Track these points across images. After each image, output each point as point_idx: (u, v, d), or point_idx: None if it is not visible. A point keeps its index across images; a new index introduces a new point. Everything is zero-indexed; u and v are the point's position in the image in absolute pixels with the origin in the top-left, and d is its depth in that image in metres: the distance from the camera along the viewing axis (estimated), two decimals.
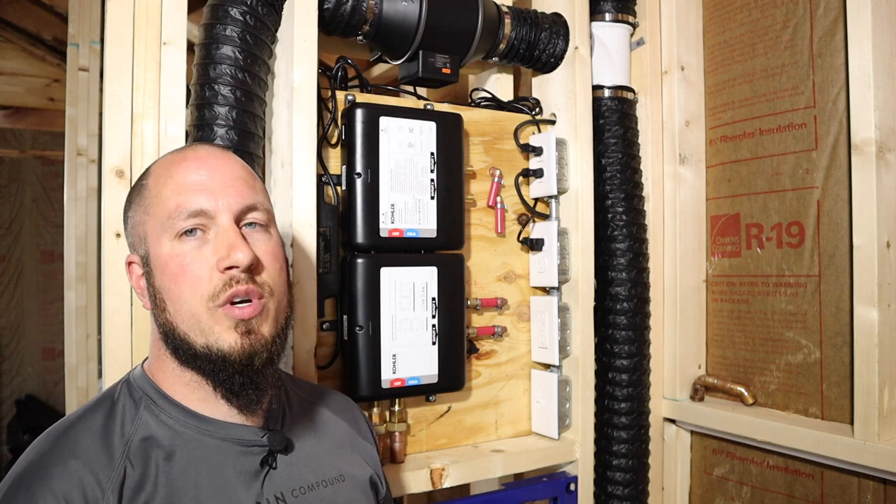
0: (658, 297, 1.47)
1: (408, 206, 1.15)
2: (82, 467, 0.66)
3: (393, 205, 1.13)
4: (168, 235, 0.72)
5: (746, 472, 1.39)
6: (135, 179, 1.00)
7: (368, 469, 0.88)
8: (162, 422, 0.73)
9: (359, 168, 1.11)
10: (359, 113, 1.12)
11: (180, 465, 0.71)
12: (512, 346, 1.33)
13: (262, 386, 0.73)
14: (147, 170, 0.79)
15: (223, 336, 0.71)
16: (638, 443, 1.39)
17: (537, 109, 1.39)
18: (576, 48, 1.34)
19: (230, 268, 0.71)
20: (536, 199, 1.36)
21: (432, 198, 1.17)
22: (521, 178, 1.34)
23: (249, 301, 0.72)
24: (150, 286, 0.74)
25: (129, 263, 0.78)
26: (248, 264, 0.71)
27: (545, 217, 1.35)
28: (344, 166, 1.14)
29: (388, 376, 1.11)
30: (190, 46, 1.04)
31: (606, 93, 1.42)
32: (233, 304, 0.71)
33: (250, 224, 0.75)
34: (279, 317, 0.76)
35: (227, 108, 0.98)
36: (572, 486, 1.28)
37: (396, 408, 1.15)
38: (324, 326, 1.12)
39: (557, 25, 1.34)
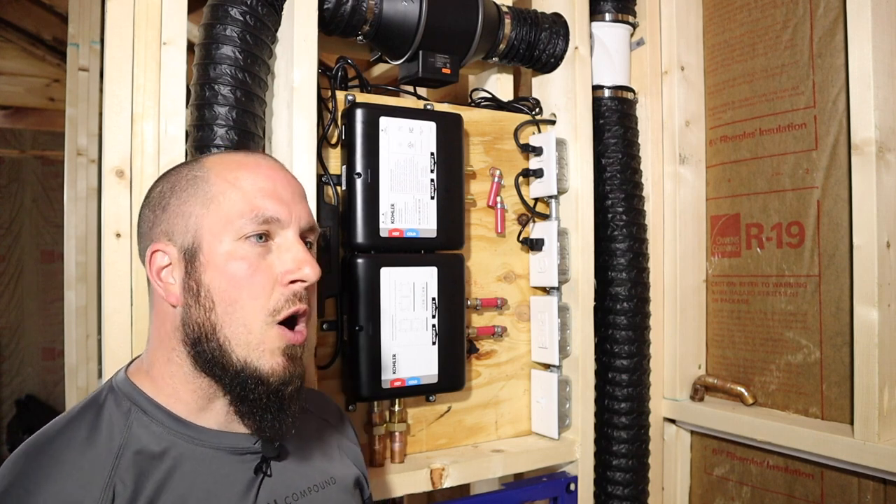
0: (658, 297, 1.47)
1: (408, 206, 1.15)
2: (67, 490, 0.62)
3: (393, 205, 1.13)
4: (232, 235, 0.69)
5: (746, 472, 1.39)
6: (135, 179, 1.01)
7: (355, 470, 0.87)
8: (153, 432, 0.69)
9: (359, 168, 1.11)
10: (359, 113, 1.12)
11: (174, 477, 0.68)
12: (512, 346, 1.33)
13: (286, 413, 0.70)
14: (200, 163, 0.75)
15: (266, 356, 0.69)
16: (638, 443, 1.39)
17: (537, 109, 1.39)
18: (576, 48, 1.34)
19: (294, 281, 0.70)
20: (536, 199, 1.36)
21: (432, 198, 1.17)
22: (521, 178, 1.34)
23: (304, 323, 0.71)
24: (193, 281, 0.69)
25: (155, 252, 0.72)
26: (316, 280, 0.70)
27: (545, 217, 1.35)
28: (344, 166, 1.14)
29: (388, 376, 1.11)
30: (190, 46, 1.04)
31: (606, 93, 1.42)
32: (284, 324, 0.70)
33: (308, 243, 0.75)
34: (310, 344, 0.75)
35: (227, 108, 0.98)
36: (572, 486, 1.28)
37: (396, 408, 1.15)
38: (324, 326, 1.12)
39: (557, 25, 1.34)
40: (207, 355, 0.69)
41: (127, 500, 0.64)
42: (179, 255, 0.71)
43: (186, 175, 0.74)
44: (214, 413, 0.72)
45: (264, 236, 0.70)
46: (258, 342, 0.68)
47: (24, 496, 0.62)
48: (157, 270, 0.72)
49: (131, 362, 0.77)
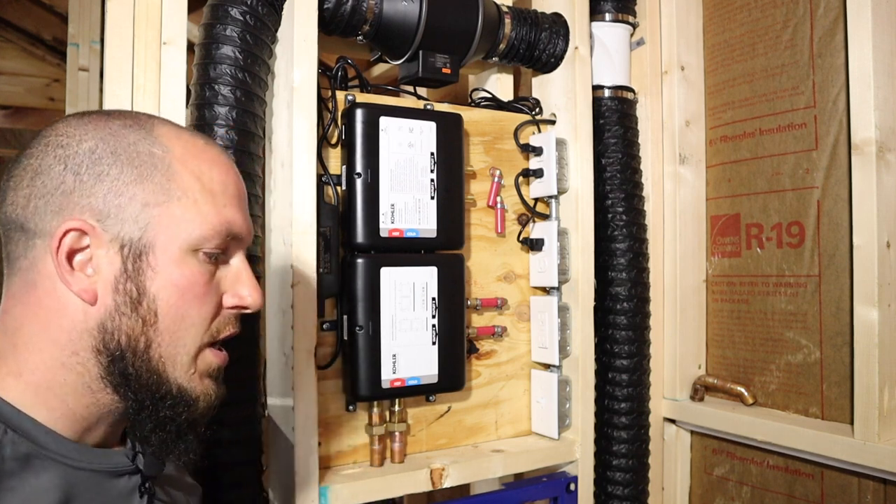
0: (658, 297, 1.47)
1: (408, 206, 1.15)
2: None
3: (393, 205, 1.13)
4: (192, 244, 0.61)
5: (746, 472, 1.39)
6: None
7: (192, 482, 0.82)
8: (18, 452, 0.56)
9: (359, 168, 1.11)
10: (359, 113, 1.12)
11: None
12: (512, 346, 1.33)
13: (196, 437, 0.64)
14: (154, 135, 0.62)
15: (197, 379, 0.62)
16: (638, 443, 1.39)
17: (537, 109, 1.39)
18: (576, 48, 1.34)
19: (241, 308, 0.65)
20: (536, 199, 1.36)
21: (432, 198, 1.17)
22: (521, 178, 1.34)
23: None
24: (133, 284, 0.58)
25: (71, 230, 0.57)
26: (258, 310, 0.66)
27: (545, 217, 1.35)
28: (344, 166, 1.14)
29: (388, 376, 1.11)
30: (190, 46, 1.04)
31: (606, 93, 1.42)
32: (212, 345, 0.64)
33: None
34: None
35: (227, 108, 0.98)
36: (572, 486, 1.28)
37: (396, 408, 1.15)
38: (324, 326, 1.12)
39: (557, 25, 1.34)
40: (131, 373, 0.59)
41: None
42: (113, 245, 0.58)
43: (137, 146, 0.60)
44: (99, 432, 0.63)
45: (220, 255, 0.64)
46: (191, 365, 0.62)
47: None
48: (69, 253, 0.58)
49: None
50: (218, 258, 0.64)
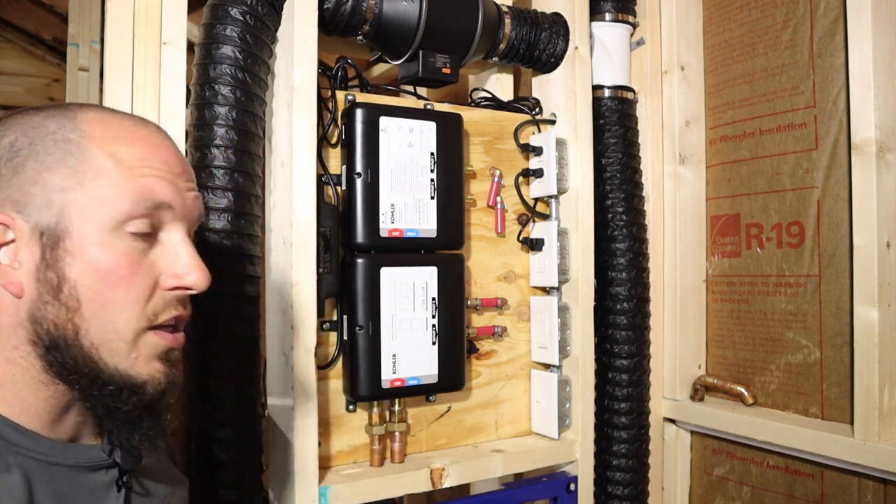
0: (658, 297, 1.47)
1: (408, 206, 1.15)
2: None
3: (393, 205, 1.13)
4: (110, 222, 0.58)
5: (746, 472, 1.39)
6: None
7: (183, 476, 0.81)
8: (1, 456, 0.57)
9: (359, 168, 1.11)
10: (359, 113, 1.12)
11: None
12: (512, 346, 1.33)
13: (159, 425, 0.61)
14: (74, 122, 0.60)
15: (142, 363, 0.59)
16: (638, 443, 1.39)
17: (537, 109, 1.39)
18: (576, 48, 1.34)
19: (182, 288, 0.61)
20: (536, 199, 1.36)
21: (432, 198, 1.17)
22: (521, 178, 1.34)
23: (178, 330, 0.62)
24: (53, 272, 0.57)
25: (3, 225, 0.57)
26: (205, 290, 0.61)
27: (545, 217, 1.35)
28: (344, 166, 1.14)
29: (388, 376, 1.11)
30: (190, 46, 1.04)
31: (606, 93, 1.42)
32: (162, 327, 0.60)
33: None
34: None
35: (227, 108, 0.98)
36: (572, 486, 1.28)
37: (396, 408, 1.15)
38: (324, 326, 1.12)
39: (557, 25, 1.34)
40: (67, 362, 0.57)
41: None
42: (33, 235, 0.57)
43: (55, 134, 0.59)
44: (68, 424, 0.62)
45: (148, 230, 0.60)
46: (130, 349, 0.59)
47: None
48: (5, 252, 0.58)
49: None
50: (148, 236, 0.60)
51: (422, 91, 1.31)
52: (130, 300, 0.58)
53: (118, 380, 0.58)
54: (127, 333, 0.58)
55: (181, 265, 0.60)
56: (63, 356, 0.57)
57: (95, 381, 0.58)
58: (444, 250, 1.19)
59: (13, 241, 0.57)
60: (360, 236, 1.11)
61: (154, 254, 0.60)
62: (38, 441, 0.59)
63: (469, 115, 1.28)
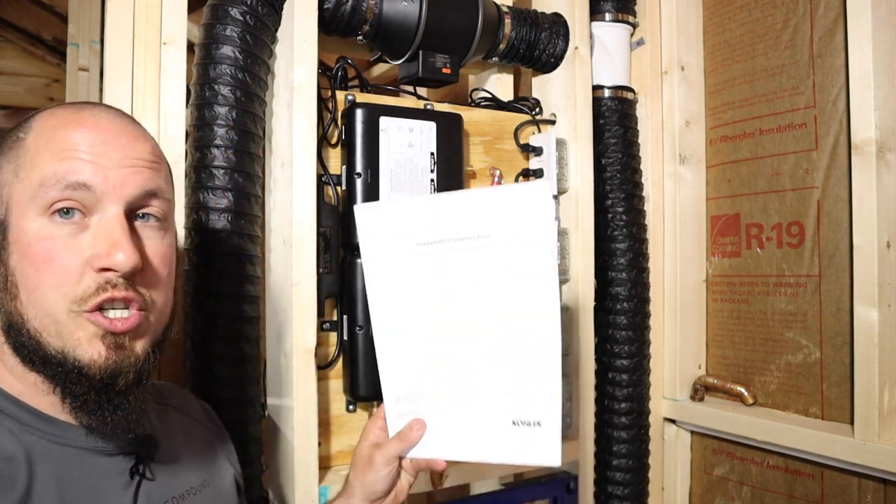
0: (658, 297, 1.47)
1: None
2: None
3: None
4: (37, 208, 0.58)
5: (746, 472, 1.39)
6: None
7: (231, 468, 0.82)
8: (5, 429, 0.59)
9: (359, 168, 1.11)
10: (359, 113, 1.12)
11: (34, 485, 0.58)
12: None
13: (121, 407, 0.61)
14: (28, 120, 0.63)
15: (83, 345, 0.58)
16: (638, 443, 1.39)
17: (537, 109, 1.39)
18: (576, 48, 1.34)
19: (107, 269, 0.59)
20: None
21: None
22: (521, 178, 1.34)
23: (125, 309, 0.60)
24: (2, 263, 0.60)
25: None
26: (130, 271, 0.59)
27: None
28: (344, 166, 1.14)
29: None
30: (190, 46, 1.04)
31: (606, 93, 1.42)
32: (102, 310, 0.59)
33: (144, 217, 0.63)
34: (158, 330, 0.64)
35: (227, 108, 0.98)
36: (572, 486, 1.28)
37: None
38: (324, 326, 1.12)
39: (557, 25, 1.34)
40: (25, 349, 0.59)
41: None
42: None
43: (11, 135, 0.63)
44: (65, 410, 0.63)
45: (74, 210, 0.59)
46: (69, 332, 0.58)
47: None
48: None
49: None
50: (74, 218, 0.59)
51: (422, 91, 1.31)
52: (56, 283, 0.58)
53: (63, 362, 0.59)
54: (59, 316, 0.58)
55: (104, 244, 0.59)
56: (21, 342, 0.59)
57: (48, 364, 0.59)
58: None
59: None
60: None
61: (84, 236, 0.59)
62: (50, 423, 0.61)
63: (469, 115, 1.28)
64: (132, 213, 0.62)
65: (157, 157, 0.65)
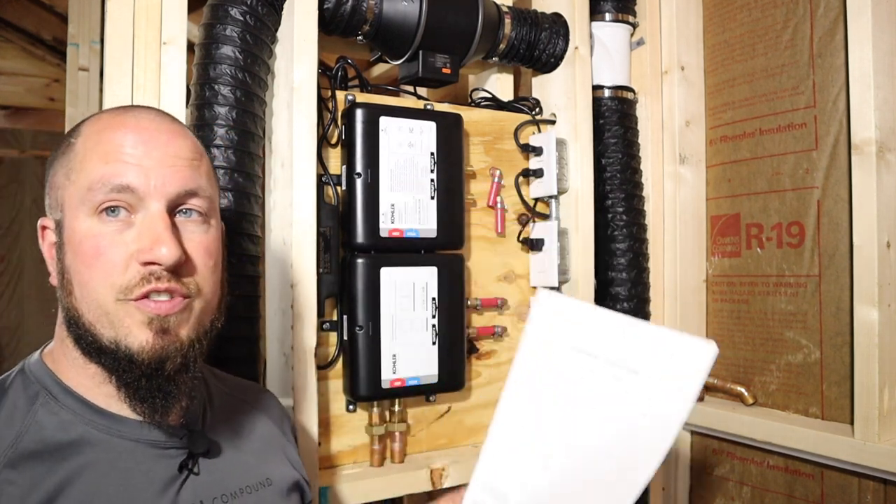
0: (658, 297, 1.47)
1: (408, 206, 1.15)
2: None
3: (393, 205, 1.13)
4: (87, 209, 0.63)
5: (746, 472, 1.39)
6: None
7: (295, 472, 0.81)
8: (61, 420, 0.63)
9: (359, 168, 1.11)
10: (359, 113, 1.12)
11: (82, 473, 0.62)
12: (512, 347, 1.33)
13: (172, 394, 0.64)
14: (78, 126, 0.68)
15: (133, 331, 0.62)
16: None
17: (537, 109, 1.39)
18: (576, 48, 1.34)
19: (151, 263, 0.62)
20: (536, 199, 1.36)
21: (432, 198, 1.17)
22: (521, 178, 1.34)
23: (170, 296, 0.63)
24: (60, 261, 0.65)
25: (43, 228, 0.68)
26: (173, 264, 0.62)
27: (545, 217, 1.35)
28: (344, 166, 1.14)
29: (387, 376, 1.11)
30: (190, 46, 1.04)
31: (606, 93, 1.42)
32: (148, 297, 0.63)
33: (186, 212, 0.66)
34: (204, 319, 0.67)
35: (227, 108, 0.98)
36: None
37: (396, 408, 1.15)
38: (324, 326, 1.12)
39: (557, 25, 1.34)
40: (83, 340, 0.64)
41: (18, 499, 0.58)
42: (55, 232, 0.66)
43: (64, 141, 0.68)
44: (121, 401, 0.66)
45: (119, 209, 0.63)
46: (119, 320, 0.62)
47: None
48: (48, 249, 0.68)
49: (49, 343, 0.70)
50: (120, 216, 0.63)
51: (422, 91, 1.31)
52: (104, 276, 0.62)
53: (115, 349, 0.62)
54: (109, 306, 0.62)
55: (147, 239, 0.62)
56: (79, 333, 0.64)
57: (103, 354, 0.63)
58: (444, 250, 1.19)
59: (55, 243, 0.66)
60: (360, 236, 1.11)
61: (129, 232, 0.63)
62: (104, 415, 0.65)
63: (469, 115, 1.28)
64: (174, 209, 0.65)
65: (197, 153, 0.68)
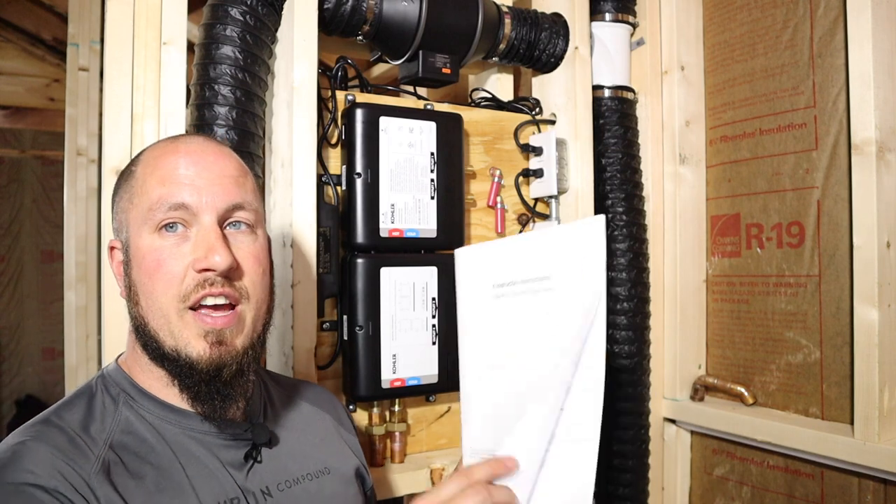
0: (658, 297, 1.47)
1: (408, 206, 1.15)
2: (59, 459, 0.64)
3: (393, 205, 1.13)
4: (149, 228, 0.71)
5: (746, 472, 1.39)
6: None
7: (355, 460, 0.88)
8: (142, 417, 0.72)
9: (359, 168, 1.11)
10: (359, 113, 1.12)
11: (166, 454, 0.70)
12: None
13: (229, 396, 0.72)
14: (138, 155, 0.77)
15: (192, 342, 0.70)
16: (638, 443, 1.39)
17: (537, 109, 1.39)
18: (576, 48, 1.34)
19: (206, 270, 0.69)
20: (536, 199, 1.36)
21: (432, 198, 1.17)
22: (521, 178, 1.34)
23: (224, 305, 0.71)
24: (127, 276, 0.73)
25: (112, 248, 0.77)
26: (226, 269, 0.70)
27: (545, 217, 1.35)
28: (344, 166, 1.14)
29: (387, 376, 1.11)
30: (190, 46, 1.04)
31: (606, 93, 1.42)
32: (203, 308, 0.70)
33: (235, 224, 0.74)
34: (256, 325, 0.74)
35: (227, 108, 0.98)
36: None
37: (396, 408, 1.15)
38: (324, 326, 1.12)
39: (557, 25, 1.34)
40: (149, 346, 0.71)
41: (122, 468, 0.66)
42: (122, 252, 0.74)
43: (126, 170, 0.77)
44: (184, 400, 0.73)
45: (177, 224, 0.71)
46: (179, 330, 0.70)
47: (17, 466, 0.62)
48: (116, 266, 0.76)
49: (123, 352, 0.79)
50: (178, 231, 0.71)
51: (422, 91, 1.31)
52: (166, 285, 0.69)
53: (176, 357, 0.70)
54: (171, 316, 0.69)
55: (202, 249, 0.70)
56: (146, 342, 0.71)
57: (166, 360, 0.70)
58: (444, 250, 1.19)
59: (121, 260, 0.75)
60: (360, 236, 1.11)
61: (186, 245, 0.71)
62: (174, 411, 0.72)
63: (469, 115, 1.28)
64: (224, 222, 0.73)
65: (242, 171, 0.76)
